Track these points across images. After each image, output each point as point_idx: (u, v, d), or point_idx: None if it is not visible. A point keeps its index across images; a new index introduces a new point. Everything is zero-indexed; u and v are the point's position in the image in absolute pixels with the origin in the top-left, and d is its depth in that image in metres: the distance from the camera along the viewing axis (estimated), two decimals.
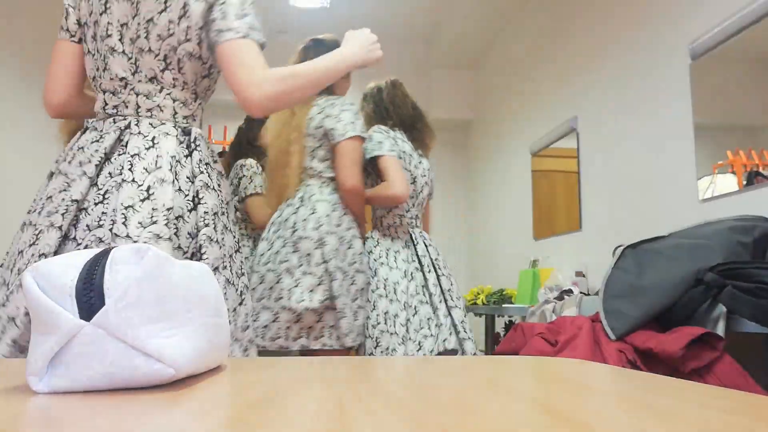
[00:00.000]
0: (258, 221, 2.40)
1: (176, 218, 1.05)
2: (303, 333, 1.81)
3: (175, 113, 1.13)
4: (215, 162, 1.18)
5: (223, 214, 1.14)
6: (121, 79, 1.13)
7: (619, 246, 1.89)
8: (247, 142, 2.53)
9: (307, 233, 1.82)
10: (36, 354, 0.41)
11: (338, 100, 1.95)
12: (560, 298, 2.45)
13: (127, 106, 1.12)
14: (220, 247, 1.10)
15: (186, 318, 0.47)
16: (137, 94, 1.12)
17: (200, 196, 1.10)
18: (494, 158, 4.66)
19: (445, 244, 5.21)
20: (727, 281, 1.46)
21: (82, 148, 1.10)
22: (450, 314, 2.06)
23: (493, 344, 3.45)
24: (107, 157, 1.07)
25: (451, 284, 2.15)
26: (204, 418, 0.32)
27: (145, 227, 1.01)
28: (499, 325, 4.21)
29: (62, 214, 1.02)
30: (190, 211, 1.08)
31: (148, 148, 1.07)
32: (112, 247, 0.44)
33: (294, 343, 1.81)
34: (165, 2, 1.10)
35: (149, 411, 0.34)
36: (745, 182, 2.05)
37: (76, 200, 1.03)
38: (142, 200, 1.03)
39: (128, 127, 1.10)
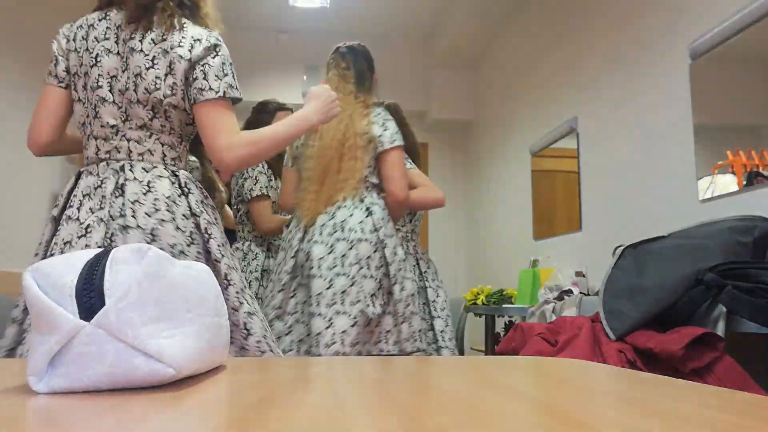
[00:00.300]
0: (264, 227, 2.28)
1: (179, 253, 1.18)
2: (361, 338, 1.77)
3: (164, 156, 1.26)
4: (207, 198, 1.32)
5: (225, 243, 1.29)
6: (112, 126, 1.24)
7: (619, 246, 1.89)
8: None
9: (366, 236, 1.79)
10: (36, 354, 0.41)
11: (380, 109, 1.98)
12: (560, 298, 2.45)
13: (119, 151, 1.24)
14: (237, 272, 1.27)
15: (186, 318, 0.47)
16: (128, 140, 1.24)
17: (209, 232, 1.23)
18: (494, 158, 4.66)
19: (445, 244, 5.21)
20: (727, 281, 1.46)
21: (88, 195, 1.22)
22: (432, 324, 2.27)
23: (493, 344, 3.45)
24: (108, 199, 1.20)
25: (437, 296, 2.31)
26: (204, 418, 0.32)
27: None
28: (499, 325, 4.21)
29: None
30: (188, 245, 1.20)
31: (145, 193, 1.20)
32: (112, 247, 0.44)
33: (352, 349, 1.76)
34: (152, 59, 1.22)
35: (149, 411, 0.34)
36: (745, 182, 2.05)
37: (99, 246, 1.16)
38: (149, 242, 1.16)
39: (122, 169, 1.22)
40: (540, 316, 2.34)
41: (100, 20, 1.27)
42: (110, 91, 1.24)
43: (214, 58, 1.23)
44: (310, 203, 1.85)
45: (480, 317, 3.97)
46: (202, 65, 1.22)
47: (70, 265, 0.42)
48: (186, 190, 1.25)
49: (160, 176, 1.22)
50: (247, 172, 2.36)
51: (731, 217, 1.80)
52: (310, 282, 1.75)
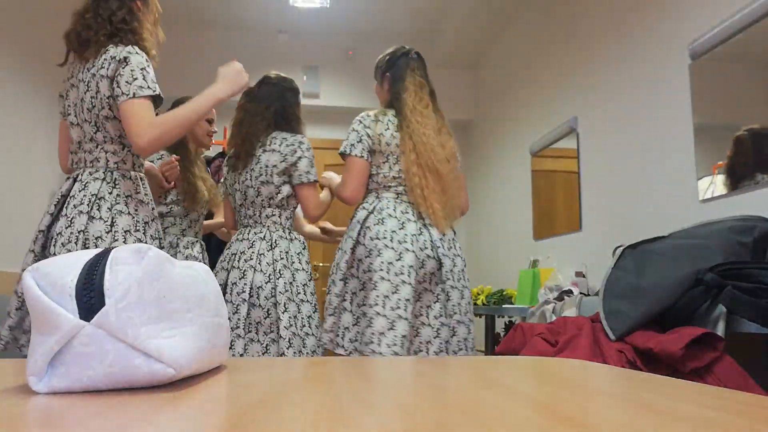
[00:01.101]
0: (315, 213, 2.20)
1: (95, 239, 1.50)
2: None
3: (108, 161, 1.59)
4: (137, 193, 1.62)
5: (137, 231, 1.57)
6: (78, 143, 1.62)
7: (619, 246, 1.89)
8: None
9: (461, 253, 2.07)
10: (36, 354, 0.41)
11: None
12: (560, 298, 2.45)
13: (80, 162, 1.62)
14: None
15: (186, 318, 0.47)
16: (84, 152, 1.61)
17: (114, 221, 1.53)
18: (494, 158, 4.66)
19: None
20: (727, 281, 1.46)
21: (66, 196, 1.61)
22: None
23: (493, 344, 3.45)
24: (65, 198, 1.59)
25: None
26: (204, 418, 0.32)
27: (63, 246, 1.48)
28: (499, 325, 4.21)
29: (33, 240, 1.61)
30: (107, 233, 1.51)
31: (80, 191, 1.55)
32: (113, 248, 0.44)
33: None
34: (87, 85, 1.57)
35: (149, 411, 0.34)
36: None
37: (42, 230, 1.59)
38: (66, 227, 1.51)
39: (78, 177, 1.59)
40: (540, 316, 2.34)
41: (71, 62, 1.67)
42: (75, 116, 1.62)
43: (124, 68, 1.52)
44: (437, 213, 1.97)
45: (480, 317, 3.97)
46: (118, 77, 1.52)
47: (70, 265, 0.42)
48: (114, 184, 1.58)
49: (96, 178, 1.56)
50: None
51: (731, 217, 1.80)
52: (450, 292, 1.94)
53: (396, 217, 1.95)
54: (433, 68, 5.38)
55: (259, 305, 1.98)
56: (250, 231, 2.12)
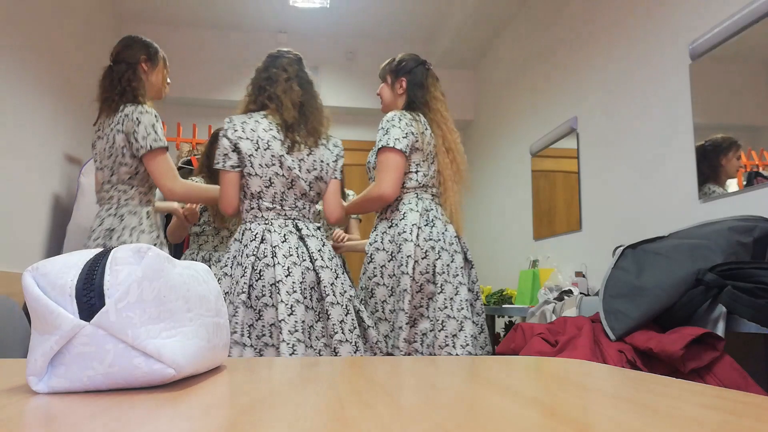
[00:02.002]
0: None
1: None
2: None
3: (119, 199, 1.97)
4: (140, 224, 1.96)
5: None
6: (101, 184, 2.01)
7: (619, 246, 1.89)
8: None
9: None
10: (36, 354, 0.41)
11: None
12: (560, 298, 2.45)
13: (101, 200, 2.01)
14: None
15: (186, 318, 0.47)
16: (104, 191, 1.99)
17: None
18: (494, 158, 4.66)
19: None
20: (727, 281, 1.46)
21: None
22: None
23: (493, 344, 3.45)
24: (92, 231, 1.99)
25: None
26: (204, 418, 0.32)
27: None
28: (499, 325, 4.21)
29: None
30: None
31: (98, 225, 1.95)
32: (112, 248, 0.44)
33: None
34: (107, 137, 1.96)
35: (149, 411, 0.34)
36: (745, 182, 2.05)
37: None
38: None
39: (98, 213, 1.99)
40: (540, 316, 2.34)
41: (102, 120, 2.04)
42: (99, 162, 2.01)
43: (138, 125, 1.90)
44: (457, 216, 2.08)
45: None
46: (134, 133, 1.91)
47: (70, 264, 0.42)
48: (121, 219, 1.94)
49: (110, 214, 1.95)
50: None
51: (731, 217, 1.80)
52: (474, 287, 2.07)
53: (440, 218, 2.02)
54: (433, 68, 5.36)
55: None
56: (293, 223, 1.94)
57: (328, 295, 1.80)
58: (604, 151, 3.00)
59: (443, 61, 4.98)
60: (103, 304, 0.41)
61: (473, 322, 1.95)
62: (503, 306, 3.06)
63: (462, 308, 1.89)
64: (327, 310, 1.79)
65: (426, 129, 2.05)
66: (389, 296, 1.96)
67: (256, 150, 1.83)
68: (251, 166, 1.83)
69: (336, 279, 1.84)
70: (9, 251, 2.95)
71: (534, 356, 0.72)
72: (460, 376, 0.50)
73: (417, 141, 2.01)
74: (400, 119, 2.01)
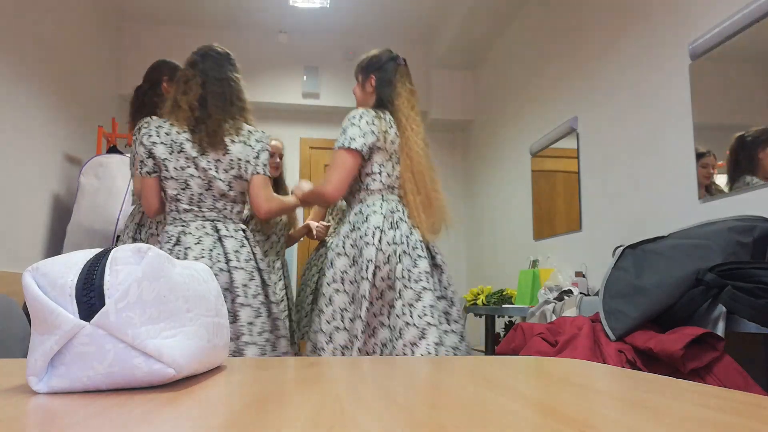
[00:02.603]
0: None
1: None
2: None
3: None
4: (149, 228, 2.20)
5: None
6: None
7: (619, 246, 1.89)
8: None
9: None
10: (36, 354, 0.41)
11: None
12: (560, 298, 2.45)
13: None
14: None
15: (186, 318, 0.47)
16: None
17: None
18: (494, 158, 4.66)
19: (445, 244, 5.21)
20: (727, 281, 1.46)
21: None
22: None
23: (493, 344, 3.45)
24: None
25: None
26: (203, 418, 0.32)
27: None
28: (499, 325, 4.21)
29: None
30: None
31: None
32: (112, 248, 0.44)
33: None
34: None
35: (149, 411, 0.34)
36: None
37: None
38: None
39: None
40: (540, 316, 2.34)
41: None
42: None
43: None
44: (423, 224, 1.96)
45: (480, 317, 3.97)
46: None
47: (70, 264, 0.42)
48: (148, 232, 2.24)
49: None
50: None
51: (731, 217, 1.80)
52: (447, 292, 1.96)
53: (405, 221, 1.92)
54: (433, 68, 5.33)
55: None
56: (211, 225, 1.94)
57: (238, 296, 1.79)
58: (604, 151, 3.00)
59: (443, 61, 4.98)
60: (103, 304, 0.41)
61: (445, 331, 1.83)
62: (503, 306, 3.06)
63: (425, 315, 1.76)
64: (236, 311, 1.78)
65: (390, 127, 1.96)
66: (350, 304, 1.86)
67: (171, 153, 1.84)
68: (166, 170, 1.85)
69: (250, 281, 1.83)
70: (9, 251, 2.95)
71: (534, 356, 0.72)
72: (460, 376, 0.50)
73: (378, 140, 1.92)
74: (360, 117, 1.93)
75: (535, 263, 3.44)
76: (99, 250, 0.44)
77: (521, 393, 0.41)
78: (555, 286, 2.63)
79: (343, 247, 1.90)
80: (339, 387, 0.44)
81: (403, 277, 1.81)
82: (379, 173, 1.96)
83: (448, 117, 5.16)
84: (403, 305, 1.78)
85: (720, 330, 1.44)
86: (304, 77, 4.88)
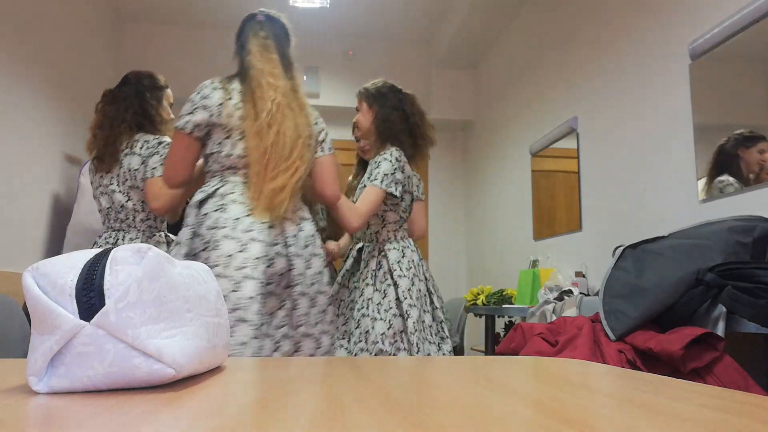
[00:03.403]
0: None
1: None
2: None
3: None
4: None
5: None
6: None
7: (619, 246, 1.89)
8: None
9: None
10: (36, 354, 0.41)
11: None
12: (560, 298, 2.45)
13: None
14: None
15: (186, 318, 0.47)
16: None
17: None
18: (494, 158, 4.66)
19: (446, 244, 5.21)
20: (727, 281, 1.46)
21: None
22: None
23: (493, 344, 3.45)
24: None
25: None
26: (204, 418, 0.32)
27: None
28: (499, 325, 4.20)
29: None
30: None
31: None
32: (112, 248, 0.44)
33: None
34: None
35: (149, 411, 0.34)
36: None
37: None
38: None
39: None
40: (540, 316, 2.34)
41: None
42: None
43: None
44: (261, 197, 1.62)
45: (480, 317, 3.97)
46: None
47: (70, 264, 0.42)
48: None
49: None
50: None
51: (731, 217, 1.80)
52: (298, 299, 1.65)
53: (243, 203, 1.59)
54: (433, 68, 5.33)
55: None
56: (122, 235, 2.10)
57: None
58: (604, 151, 3.00)
59: (443, 61, 4.98)
60: (103, 304, 0.41)
61: (249, 324, 1.52)
62: (503, 306, 3.06)
63: (239, 308, 1.49)
64: None
65: (230, 98, 1.65)
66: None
67: (94, 176, 2.16)
68: (93, 191, 2.19)
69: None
70: (9, 251, 2.95)
71: (534, 356, 0.72)
72: (460, 376, 0.50)
73: (212, 115, 1.63)
74: (197, 92, 1.68)
75: (535, 263, 3.45)
76: (99, 250, 0.44)
77: (521, 393, 0.41)
78: (555, 286, 2.63)
79: (180, 233, 1.74)
80: (339, 387, 0.44)
81: (218, 264, 1.56)
82: (218, 153, 1.68)
83: (448, 117, 5.16)
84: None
85: (720, 330, 1.44)
86: (304, 77, 4.88)
